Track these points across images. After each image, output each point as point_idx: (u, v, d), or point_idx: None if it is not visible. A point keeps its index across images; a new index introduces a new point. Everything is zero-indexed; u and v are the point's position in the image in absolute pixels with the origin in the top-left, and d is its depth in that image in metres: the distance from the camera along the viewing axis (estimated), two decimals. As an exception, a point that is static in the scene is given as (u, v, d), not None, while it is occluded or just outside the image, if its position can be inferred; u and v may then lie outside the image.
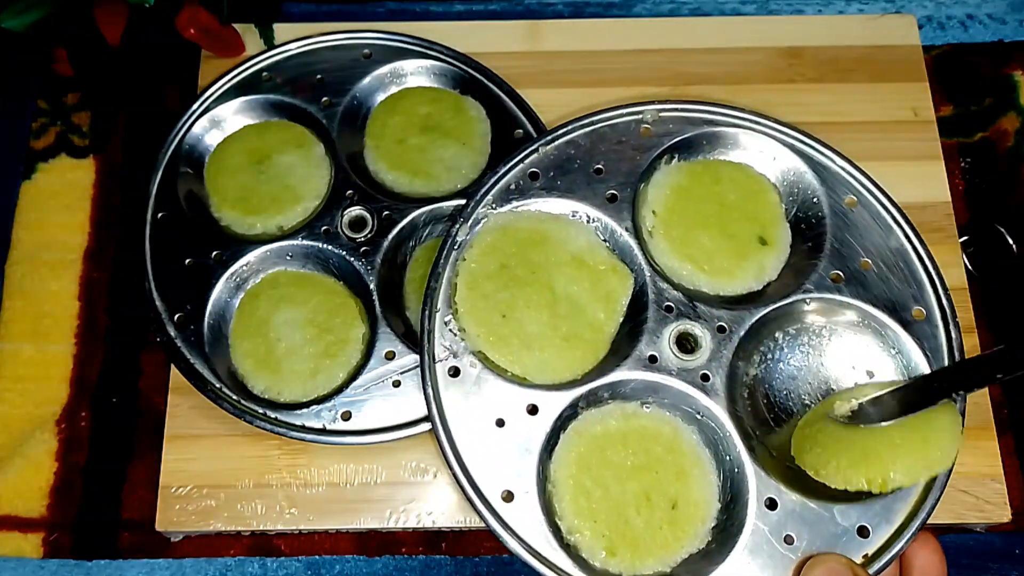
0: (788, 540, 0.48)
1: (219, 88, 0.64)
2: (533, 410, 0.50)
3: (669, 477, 0.50)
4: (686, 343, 0.52)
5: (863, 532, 0.48)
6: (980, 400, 0.58)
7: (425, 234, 0.61)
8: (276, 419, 0.55)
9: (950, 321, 0.52)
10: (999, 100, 0.69)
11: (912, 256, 0.54)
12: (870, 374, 0.52)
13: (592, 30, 0.68)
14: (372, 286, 0.58)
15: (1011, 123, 0.68)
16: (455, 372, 0.51)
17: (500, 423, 0.50)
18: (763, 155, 0.57)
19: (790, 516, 0.48)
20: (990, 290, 0.62)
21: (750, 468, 0.49)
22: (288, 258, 0.60)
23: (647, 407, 0.51)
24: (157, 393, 0.60)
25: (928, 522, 0.55)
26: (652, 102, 0.57)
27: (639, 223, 0.55)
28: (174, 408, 0.58)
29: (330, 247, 0.59)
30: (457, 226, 0.54)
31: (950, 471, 0.49)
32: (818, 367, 0.53)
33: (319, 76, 0.64)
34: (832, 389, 0.52)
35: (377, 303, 0.58)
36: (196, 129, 0.63)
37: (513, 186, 0.55)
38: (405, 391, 0.56)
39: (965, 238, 0.62)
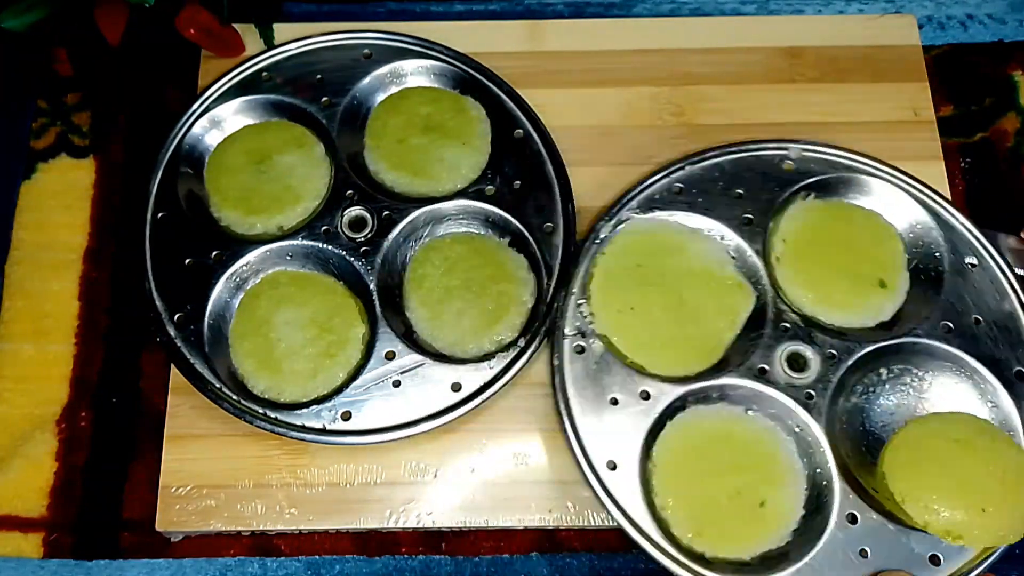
0: (863, 554, 0.51)
1: (219, 88, 0.64)
2: (646, 396, 0.54)
3: (761, 480, 0.53)
4: (796, 362, 0.55)
5: (935, 560, 0.50)
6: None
7: (425, 234, 0.61)
8: (276, 419, 0.55)
9: None
10: (999, 100, 0.69)
11: (1022, 322, 0.56)
12: None
13: (592, 30, 0.68)
14: (372, 286, 0.58)
15: (1011, 123, 0.68)
16: (580, 350, 0.55)
17: (614, 402, 0.54)
18: (894, 207, 0.60)
19: (868, 533, 0.51)
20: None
21: (837, 484, 0.52)
22: (288, 258, 0.60)
23: (751, 413, 0.55)
24: (157, 393, 0.60)
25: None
26: (798, 141, 0.61)
27: (768, 248, 0.58)
28: (174, 408, 0.58)
29: (330, 247, 0.59)
30: (600, 223, 0.58)
31: None
32: (916, 407, 0.55)
33: (319, 76, 0.64)
34: None
35: (377, 303, 0.58)
36: (196, 129, 0.63)
37: (658, 196, 0.59)
38: (405, 391, 0.56)
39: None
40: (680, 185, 0.59)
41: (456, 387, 0.56)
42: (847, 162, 0.60)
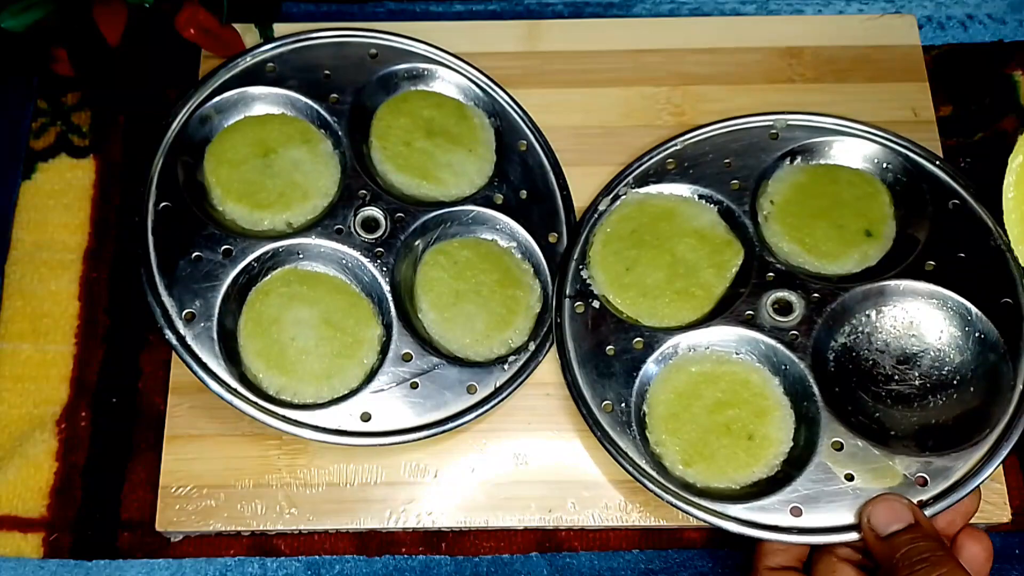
0: (849, 477, 0.53)
1: (219, 78, 0.63)
2: (640, 345, 0.57)
3: (750, 415, 0.56)
4: (781, 307, 0.58)
5: (921, 481, 0.53)
6: (981, 400, 0.58)
7: (436, 237, 0.61)
8: (293, 420, 0.55)
9: None
10: (999, 100, 0.69)
11: (1007, 257, 0.58)
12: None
13: (591, 30, 0.68)
14: (387, 287, 0.58)
15: (1011, 123, 0.68)
16: (581, 309, 0.58)
17: (610, 351, 0.57)
18: (878, 163, 0.62)
19: (854, 457, 0.54)
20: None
21: (824, 416, 0.55)
22: (299, 256, 0.59)
23: (739, 355, 0.58)
24: (157, 393, 0.60)
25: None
26: (784, 112, 0.63)
27: (757, 209, 0.61)
28: (174, 408, 0.58)
29: (344, 246, 0.59)
30: (599, 197, 0.62)
31: (1011, 448, 0.53)
32: (905, 343, 0.58)
33: (326, 72, 0.63)
34: (916, 363, 0.58)
35: (392, 304, 0.58)
36: (196, 119, 0.62)
37: (652, 172, 0.62)
38: (422, 393, 0.56)
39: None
40: (672, 160, 0.62)
41: (471, 389, 0.57)
42: (830, 126, 0.63)
